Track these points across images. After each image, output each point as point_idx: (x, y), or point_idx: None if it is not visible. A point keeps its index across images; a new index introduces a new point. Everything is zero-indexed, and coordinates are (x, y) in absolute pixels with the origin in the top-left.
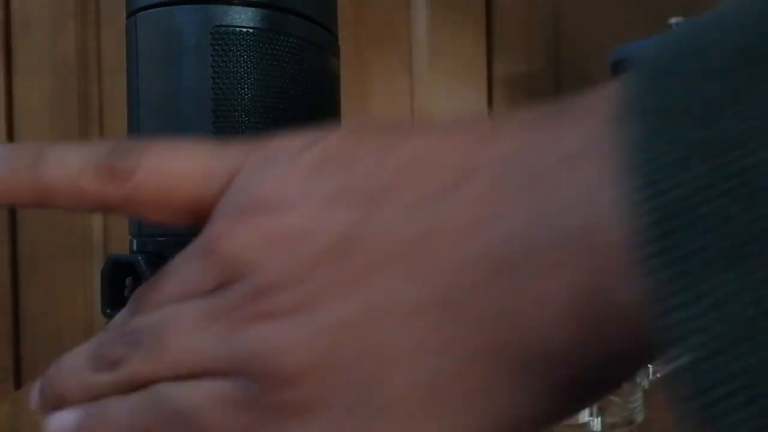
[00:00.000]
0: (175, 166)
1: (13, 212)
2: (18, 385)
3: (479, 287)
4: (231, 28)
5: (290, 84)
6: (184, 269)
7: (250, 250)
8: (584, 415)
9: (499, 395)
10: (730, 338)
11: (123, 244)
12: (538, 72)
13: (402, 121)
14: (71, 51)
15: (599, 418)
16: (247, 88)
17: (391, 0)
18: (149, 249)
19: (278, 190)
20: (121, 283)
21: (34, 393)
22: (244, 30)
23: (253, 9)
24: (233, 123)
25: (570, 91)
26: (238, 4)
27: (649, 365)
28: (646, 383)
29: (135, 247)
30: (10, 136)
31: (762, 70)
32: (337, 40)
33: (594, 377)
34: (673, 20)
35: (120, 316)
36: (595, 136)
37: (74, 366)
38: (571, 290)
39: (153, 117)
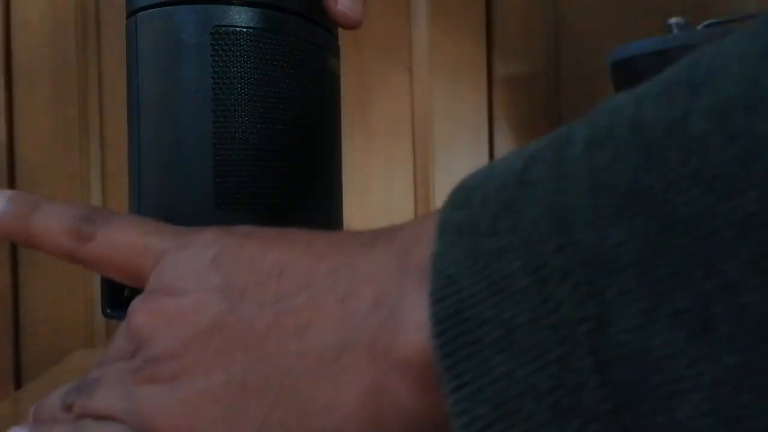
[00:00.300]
0: (122, 241)
1: None
2: (18, 385)
3: (306, 376)
4: (231, 28)
5: (290, 84)
6: (118, 336)
7: (148, 325)
8: None
9: None
10: (488, 419)
11: None
12: (538, 72)
13: (284, 232)
14: (71, 51)
15: None
16: (247, 88)
17: (391, 0)
18: None
19: (178, 279)
20: (121, 283)
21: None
22: (244, 30)
23: (253, 9)
24: (233, 123)
25: (570, 91)
26: (238, 4)
27: None
28: None
29: None
30: (10, 136)
31: (516, 202)
32: (337, 40)
33: None
34: (672, 20)
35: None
36: (398, 259)
37: (51, 404)
38: (360, 389)
39: (152, 117)
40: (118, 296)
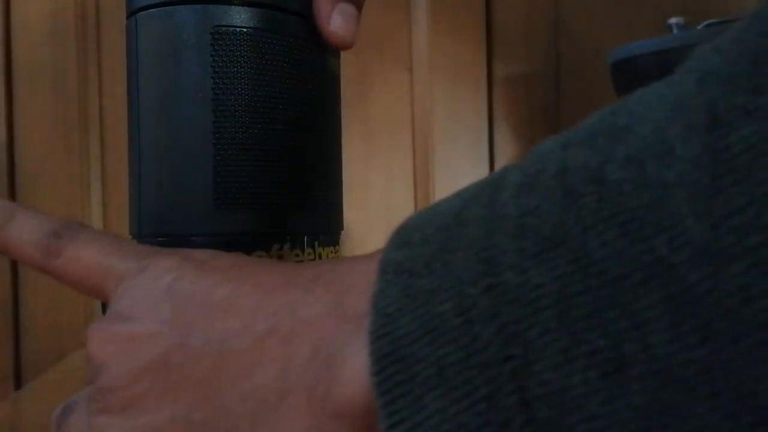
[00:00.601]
0: (86, 259)
1: None
2: (18, 385)
3: (247, 420)
4: (231, 28)
5: (290, 84)
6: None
7: (101, 352)
8: None
9: None
10: None
11: None
12: (538, 72)
13: (238, 263)
14: (71, 51)
15: None
16: (247, 88)
17: (391, 0)
18: None
19: (132, 307)
20: None
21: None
22: (245, 30)
23: (252, 9)
24: (233, 123)
25: (570, 91)
26: (238, 4)
27: None
28: None
29: None
30: (10, 136)
31: (451, 242)
32: None
33: None
34: (672, 20)
35: None
36: (335, 305)
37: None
38: (302, 430)
39: (153, 117)
40: None
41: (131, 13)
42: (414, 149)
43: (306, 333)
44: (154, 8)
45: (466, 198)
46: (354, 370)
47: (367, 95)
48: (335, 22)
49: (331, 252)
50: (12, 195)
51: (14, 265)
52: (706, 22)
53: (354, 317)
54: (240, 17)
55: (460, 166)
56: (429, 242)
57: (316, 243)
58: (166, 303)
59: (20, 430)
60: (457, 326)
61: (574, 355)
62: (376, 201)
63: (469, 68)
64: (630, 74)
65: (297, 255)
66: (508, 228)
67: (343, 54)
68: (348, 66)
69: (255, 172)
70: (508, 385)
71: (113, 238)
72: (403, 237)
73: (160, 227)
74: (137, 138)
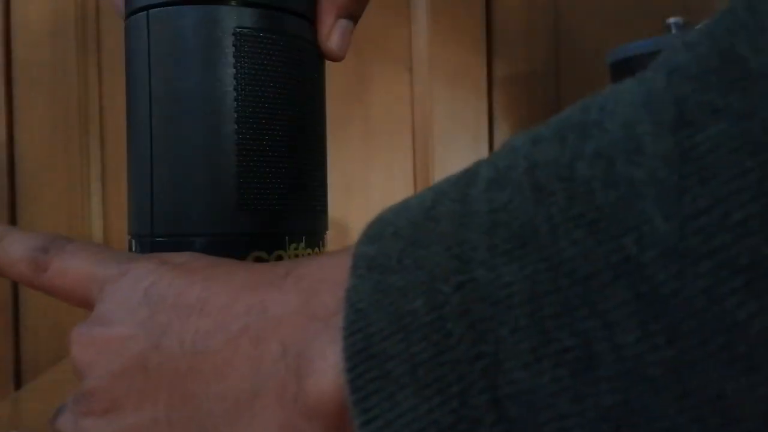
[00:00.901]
0: (72, 270)
1: (12, 212)
2: (18, 385)
3: (224, 418)
4: (249, 30)
5: (301, 85)
6: None
7: (82, 355)
8: None
9: None
10: None
11: (122, 244)
12: (538, 72)
13: (213, 263)
14: (71, 51)
15: None
16: (269, 89)
17: (391, 0)
18: (147, 249)
19: (111, 311)
20: None
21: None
22: (246, 30)
23: (253, 9)
24: (255, 125)
25: (570, 91)
26: (239, 5)
27: None
28: None
29: (133, 247)
30: (10, 136)
31: (421, 237)
32: None
33: None
34: (672, 20)
35: None
36: (305, 304)
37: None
38: (275, 429)
39: (168, 118)
40: None
41: (137, 11)
42: (414, 149)
43: (275, 331)
44: (154, 8)
45: (438, 192)
46: (324, 368)
47: (367, 95)
48: (334, 38)
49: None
50: (12, 195)
51: None
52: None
53: (323, 315)
54: (254, 19)
55: (460, 166)
56: (400, 237)
57: (321, 242)
58: (143, 306)
59: (20, 429)
60: (429, 323)
61: (544, 354)
62: (376, 201)
63: (469, 68)
64: (630, 74)
65: (309, 253)
66: (479, 224)
67: None
68: (348, 66)
69: (274, 173)
70: (478, 383)
71: (98, 247)
72: (376, 231)
73: (176, 227)
74: (147, 138)
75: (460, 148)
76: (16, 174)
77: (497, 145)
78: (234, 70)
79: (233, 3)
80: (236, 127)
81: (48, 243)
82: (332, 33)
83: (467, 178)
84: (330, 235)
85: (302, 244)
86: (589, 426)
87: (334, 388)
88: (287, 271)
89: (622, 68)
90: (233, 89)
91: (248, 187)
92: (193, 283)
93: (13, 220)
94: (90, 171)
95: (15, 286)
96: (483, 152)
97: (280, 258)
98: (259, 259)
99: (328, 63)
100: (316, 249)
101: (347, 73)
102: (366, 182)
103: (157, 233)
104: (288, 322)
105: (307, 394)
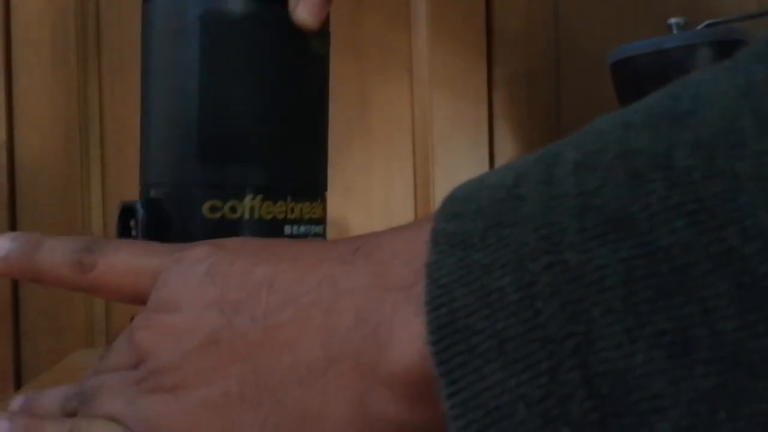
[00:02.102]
0: (121, 265)
1: (12, 212)
2: (18, 385)
3: (297, 387)
4: (221, 13)
5: (277, 67)
6: (118, 349)
7: (148, 340)
8: None
9: None
10: (482, 424)
11: None
12: (538, 72)
13: (272, 243)
14: (71, 51)
15: None
16: (235, 69)
17: (391, 1)
18: (151, 196)
19: (174, 295)
20: (129, 225)
21: (13, 404)
22: (232, 14)
23: None
24: (220, 91)
25: (570, 91)
26: None
27: None
28: None
29: (139, 195)
30: (11, 136)
31: (506, 217)
32: (328, 27)
33: None
34: (672, 20)
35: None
36: (378, 276)
37: (47, 404)
38: (347, 403)
39: (157, 86)
40: (128, 237)
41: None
42: (414, 150)
43: (348, 303)
44: None
45: (519, 172)
46: (406, 339)
47: (367, 96)
48: (301, 6)
49: (312, 207)
50: (12, 195)
51: None
52: (706, 22)
53: (399, 287)
54: (228, 3)
55: (460, 166)
56: (483, 215)
57: (290, 197)
58: (207, 287)
59: None
60: (517, 301)
61: (639, 336)
62: (376, 202)
63: (468, 69)
64: (630, 74)
65: (270, 205)
66: (568, 206)
67: (343, 54)
68: (348, 67)
69: (238, 131)
70: (569, 360)
71: (140, 242)
72: (454, 208)
73: (162, 176)
74: (148, 103)
75: (460, 149)
76: (16, 174)
77: (497, 146)
78: (200, 54)
79: None
80: (198, 86)
81: (90, 243)
82: (299, 2)
83: (548, 158)
84: (330, 236)
85: (260, 196)
86: (684, 406)
87: (416, 359)
88: (354, 248)
89: (623, 68)
90: (197, 59)
91: (207, 140)
92: (256, 263)
93: (13, 220)
94: (90, 171)
95: (15, 286)
96: (483, 152)
97: (234, 208)
98: (213, 208)
99: (331, 67)
100: (281, 203)
101: (347, 76)
102: (366, 183)
103: (150, 181)
104: (360, 293)
105: (386, 363)
